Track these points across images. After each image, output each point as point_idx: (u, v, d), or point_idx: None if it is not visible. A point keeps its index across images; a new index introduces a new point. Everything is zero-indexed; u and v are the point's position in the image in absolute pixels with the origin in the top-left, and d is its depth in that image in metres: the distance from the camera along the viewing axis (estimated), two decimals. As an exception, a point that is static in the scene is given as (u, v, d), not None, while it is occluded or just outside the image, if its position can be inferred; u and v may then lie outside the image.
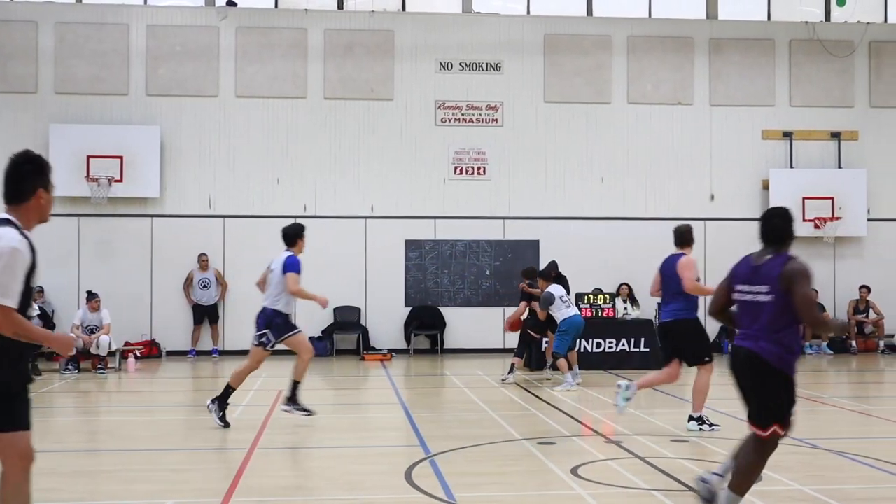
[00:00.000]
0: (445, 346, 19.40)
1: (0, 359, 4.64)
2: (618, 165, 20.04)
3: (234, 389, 10.49)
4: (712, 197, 20.10)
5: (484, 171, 19.80)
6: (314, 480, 7.87)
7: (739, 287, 6.20)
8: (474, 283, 19.74)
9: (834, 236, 19.75)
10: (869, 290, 19.51)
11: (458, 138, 19.79)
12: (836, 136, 20.30)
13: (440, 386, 15.15)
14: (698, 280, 10.05)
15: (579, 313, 14.39)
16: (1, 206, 4.89)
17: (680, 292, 9.85)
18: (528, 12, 20.44)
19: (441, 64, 19.87)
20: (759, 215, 21.26)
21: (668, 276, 10.04)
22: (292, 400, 10.57)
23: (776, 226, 6.16)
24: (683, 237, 10.35)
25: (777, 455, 8.80)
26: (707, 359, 9.95)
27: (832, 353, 19.18)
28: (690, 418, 10.04)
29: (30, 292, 4.70)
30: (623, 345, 16.43)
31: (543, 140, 19.95)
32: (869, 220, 19.99)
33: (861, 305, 19.55)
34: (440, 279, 19.71)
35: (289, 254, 10.37)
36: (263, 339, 10.41)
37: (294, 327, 10.59)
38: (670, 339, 10.00)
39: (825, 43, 20.26)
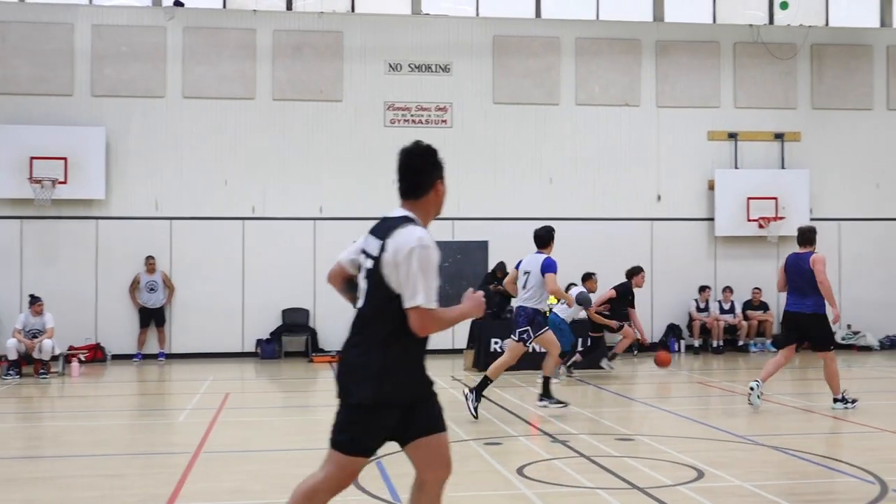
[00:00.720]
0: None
1: (409, 368, 4.48)
2: (566, 166, 20.16)
3: (491, 381, 11.03)
4: (659, 197, 20.30)
5: (433, 173, 19.77)
6: (259, 483, 7.82)
7: None
8: (424, 285, 19.69)
9: (777, 236, 20.05)
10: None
11: (408, 139, 19.59)
12: (779, 137, 20.62)
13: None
14: None
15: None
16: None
17: (814, 286, 11.23)
18: (477, 14, 20.49)
19: (390, 65, 19.86)
20: (705, 215, 21.54)
21: (800, 272, 11.38)
22: (546, 395, 11.29)
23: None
24: (807, 237, 11.64)
25: (719, 451, 8.97)
26: (832, 347, 11.52)
27: (776, 349, 19.41)
28: (835, 400, 11.47)
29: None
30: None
31: (492, 141, 20.02)
32: (811, 219, 20.28)
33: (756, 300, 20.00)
34: (390, 281, 19.66)
35: (544, 255, 11.18)
36: (524, 336, 11.10)
37: (546, 325, 11.37)
38: (799, 329, 11.51)
39: (769, 46, 20.57)
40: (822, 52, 20.80)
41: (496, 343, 16.21)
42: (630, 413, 12.04)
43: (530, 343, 11.16)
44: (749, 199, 19.96)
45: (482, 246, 19.76)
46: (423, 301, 4.27)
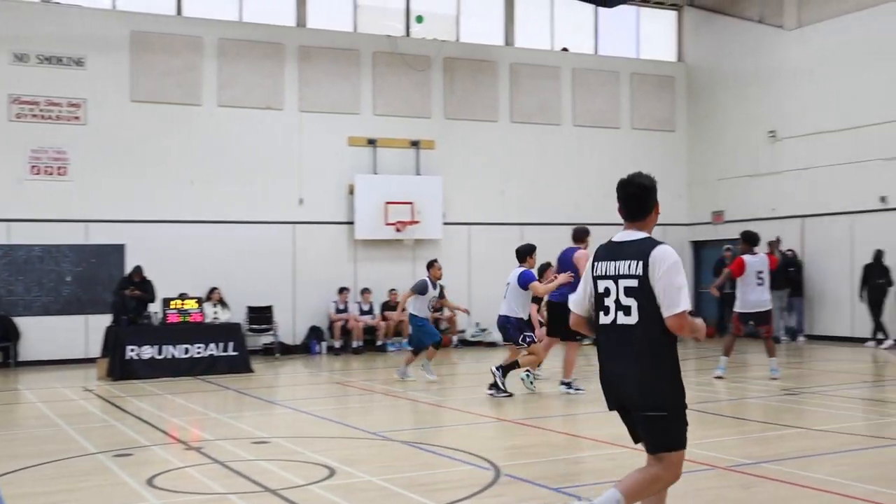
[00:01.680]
0: (23, 358, 18.08)
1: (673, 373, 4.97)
2: (209, 168, 19.85)
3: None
4: (301, 201, 20.54)
5: (65, 172, 18.72)
6: None
7: None
8: (53, 291, 18.57)
9: (413, 239, 21.01)
10: (443, 288, 20.88)
11: (36, 136, 18.54)
12: (415, 144, 21.61)
13: (11, 402, 14.06)
14: None
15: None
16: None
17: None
18: (114, 7, 19.62)
19: (15, 55, 18.50)
20: (345, 219, 21.82)
21: (567, 265, 12.46)
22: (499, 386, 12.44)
23: None
24: (578, 235, 13.09)
25: (352, 449, 9.25)
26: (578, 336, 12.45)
27: (412, 348, 20.30)
28: (561, 383, 12.69)
29: None
30: (212, 349, 16.27)
31: (131, 140, 19.26)
32: (444, 223, 21.50)
33: (437, 304, 20.90)
34: (14, 287, 18.32)
35: (522, 269, 12.65)
36: (529, 339, 12.66)
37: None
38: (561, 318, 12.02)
39: (406, 57, 21.50)
40: (454, 66, 22.07)
41: (132, 350, 15.61)
42: (269, 416, 12.08)
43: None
44: (387, 203, 20.73)
45: (118, 249, 18.93)
46: (686, 306, 4.84)
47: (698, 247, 24.33)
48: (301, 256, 20.46)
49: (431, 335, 14.80)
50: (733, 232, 22.11)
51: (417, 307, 14.76)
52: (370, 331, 20.41)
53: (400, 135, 21.49)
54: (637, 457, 8.47)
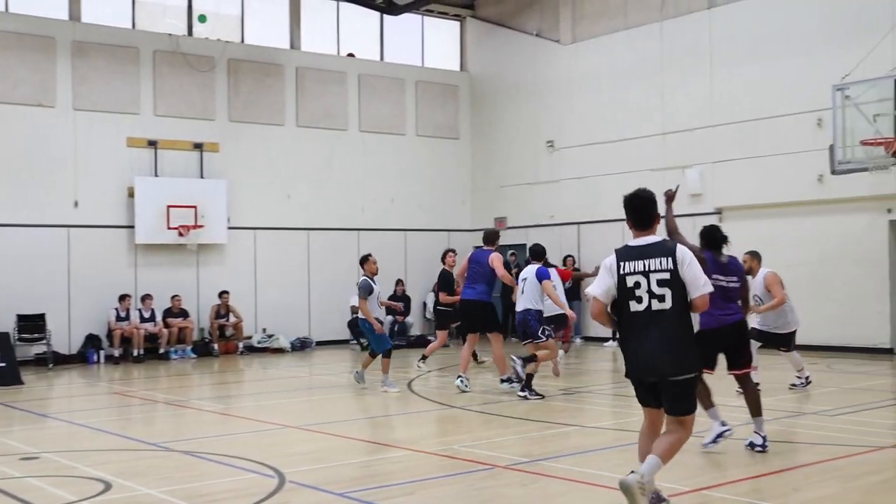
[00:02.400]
0: None
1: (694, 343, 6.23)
2: (-28, 168, 18.62)
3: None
4: (76, 203, 19.60)
5: None
6: None
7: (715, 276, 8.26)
8: None
9: (197, 244, 20.49)
10: (228, 294, 20.53)
11: None
12: (198, 146, 21.07)
13: None
14: None
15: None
16: None
17: (488, 279, 13.05)
18: None
19: None
20: (125, 223, 21.01)
21: (481, 264, 13.05)
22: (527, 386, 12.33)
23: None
24: (489, 237, 13.47)
25: (131, 461, 8.92)
26: (499, 330, 13.35)
27: (195, 356, 19.87)
28: (502, 381, 13.06)
29: None
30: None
31: None
32: (229, 228, 21.08)
33: (222, 310, 20.52)
34: None
35: (538, 265, 13.02)
36: (548, 333, 12.80)
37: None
38: (468, 316, 13.39)
39: (188, 57, 20.93)
40: (239, 68, 21.68)
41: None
42: (41, 430, 11.45)
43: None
44: (169, 206, 20.10)
45: None
46: (708, 289, 6.11)
47: (481, 252, 24.97)
48: (77, 261, 19.49)
49: (383, 343, 13.69)
50: (515, 238, 22.99)
51: (367, 310, 13.63)
52: (152, 338, 19.68)
53: (182, 136, 20.89)
54: (423, 458, 8.65)
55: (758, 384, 9.31)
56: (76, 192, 19.62)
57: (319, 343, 21.55)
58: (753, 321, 11.46)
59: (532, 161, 23.52)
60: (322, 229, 22.28)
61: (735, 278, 8.72)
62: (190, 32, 21.41)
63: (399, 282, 22.60)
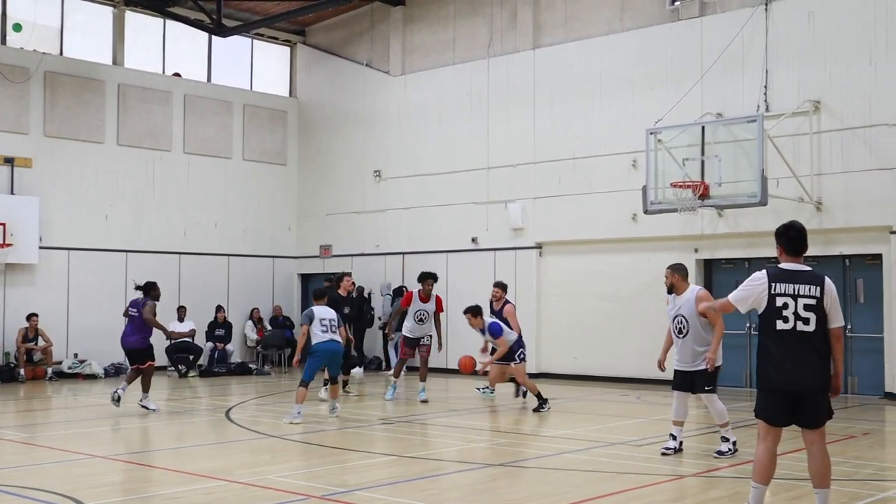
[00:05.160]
0: None
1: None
2: None
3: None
4: None
5: None
6: None
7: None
8: None
9: (4, 263, 19.47)
10: (37, 317, 19.59)
11: None
12: (9, 161, 20.07)
13: None
14: None
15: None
16: None
17: None
18: None
19: None
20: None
21: None
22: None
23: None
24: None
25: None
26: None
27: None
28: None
29: None
30: None
31: None
32: (41, 247, 20.14)
33: (31, 333, 19.54)
34: None
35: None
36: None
37: None
38: None
39: (1, 67, 19.98)
40: (57, 81, 20.83)
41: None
42: None
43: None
44: (-23, 223, 19.05)
45: None
46: (842, 322, 6.82)
47: (306, 279, 24.83)
48: None
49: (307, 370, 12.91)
50: (339, 266, 22.96)
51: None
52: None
53: (-6, 150, 19.87)
54: (235, 489, 8.47)
55: None
56: None
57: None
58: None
59: (359, 190, 23.59)
60: (142, 251, 21.60)
61: None
62: (3, 41, 20.44)
63: (220, 308, 22.14)
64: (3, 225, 19.37)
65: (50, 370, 19.63)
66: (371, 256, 23.03)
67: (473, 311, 14.24)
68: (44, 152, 20.59)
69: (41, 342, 19.64)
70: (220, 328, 21.73)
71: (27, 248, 19.80)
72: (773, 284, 6.77)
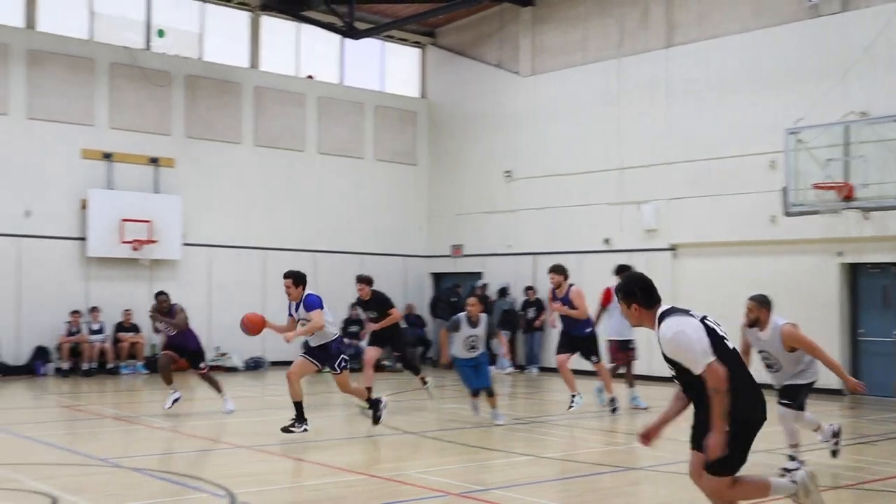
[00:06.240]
0: None
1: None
2: (-79, 174, 18.29)
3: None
4: (28, 213, 19.30)
5: None
6: None
7: None
8: None
9: (150, 259, 20.24)
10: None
11: None
12: (154, 161, 20.87)
13: None
14: None
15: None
16: None
17: None
18: None
19: None
20: (77, 234, 20.75)
21: None
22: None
23: None
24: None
25: (77, 476, 8.77)
26: None
27: (147, 371, 19.58)
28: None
29: None
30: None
31: None
32: (184, 244, 20.87)
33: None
34: None
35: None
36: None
37: None
38: None
39: (146, 71, 20.78)
40: (197, 84, 21.55)
41: None
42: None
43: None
44: (123, 220, 19.86)
45: None
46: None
47: (437, 278, 25.04)
48: (27, 272, 19.16)
49: (466, 381, 12.85)
50: (471, 265, 23.07)
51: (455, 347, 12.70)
52: (105, 352, 19.43)
53: (138, 150, 20.68)
54: (375, 484, 8.60)
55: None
56: (28, 201, 19.32)
57: (274, 363, 21.34)
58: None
59: (489, 190, 23.63)
60: (278, 249, 22.12)
61: None
62: (148, 46, 21.25)
63: (354, 305, 22.48)
64: (149, 222, 20.16)
65: (193, 363, 20.29)
66: (502, 256, 23.04)
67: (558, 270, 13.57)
68: (185, 153, 21.33)
69: (183, 336, 20.33)
70: (354, 325, 22.06)
71: (171, 245, 20.56)
72: None
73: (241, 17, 22.75)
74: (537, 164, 22.59)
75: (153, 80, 20.87)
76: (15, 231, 19.13)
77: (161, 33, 21.18)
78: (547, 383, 19.31)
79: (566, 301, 13.42)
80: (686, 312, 5.78)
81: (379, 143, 24.44)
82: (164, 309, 13.60)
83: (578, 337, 13.59)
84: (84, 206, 19.77)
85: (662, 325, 5.69)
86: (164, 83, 21.03)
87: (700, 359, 5.53)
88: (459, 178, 24.45)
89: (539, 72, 22.86)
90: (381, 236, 24.13)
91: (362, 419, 12.59)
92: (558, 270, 13.55)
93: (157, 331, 14.15)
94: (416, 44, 25.57)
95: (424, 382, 14.58)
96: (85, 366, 19.09)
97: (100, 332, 19.50)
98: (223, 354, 20.95)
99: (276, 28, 23.29)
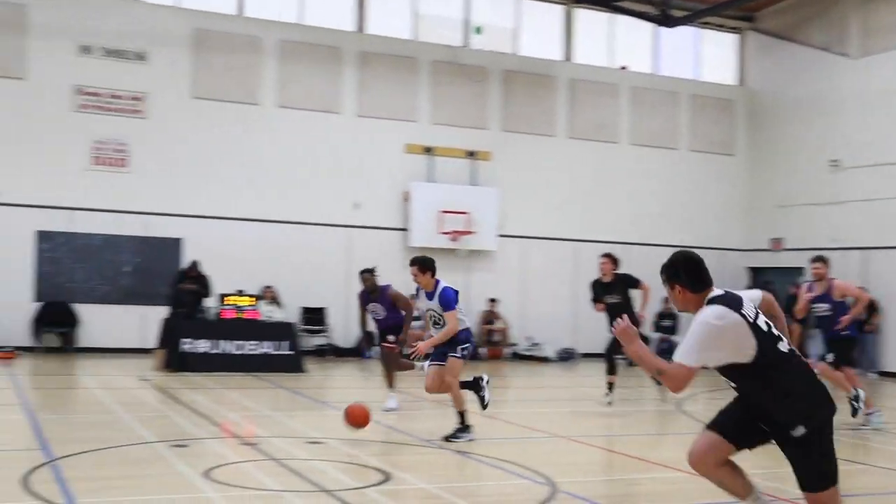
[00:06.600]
0: (80, 345, 18.34)
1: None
2: (266, 167, 19.99)
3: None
4: (356, 205, 20.57)
5: (126, 164, 18.94)
6: None
7: None
8: (112, 280, 18.82)
9: (468, 249, 20.93)
10: (496, 302, 20.88)
11: (98, 127, 18.78)
12: (471, 154, 21.55)
13: (70, 386, 14.26)
14: None
15: None
16: None
17: None
18: (178, 3, 19.82)
19: (81, 47, 18.75)
20: (399, 225, 21.69)
21: None
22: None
23: None
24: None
25: (404, 455, 9.18)
26: None
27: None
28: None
29: None
30: (266, 347, 16.35)
31: (191, 136, 19.47)
32: (499, 236, 21.41)
33: (491, 316, 20.89)
34: (75, 274, 18.58)
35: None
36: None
37: None
38: None
39: (464, 67, 21.48)
40: (512, 79, 22.00)
41: (187, 343, 15.79)
42: (322, 417, 12.04)
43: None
44: (442, 212, 20.69)
45: (175, 243, 19.11)
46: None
47: (755, 273, 23.98)
48: (355, 260, 20.42)
49: None
50: (792, 260, 21.90)
51: None
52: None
53: (456, 144, 21.45)
54: (695, 482, 8.32)
55: None
56: (357, 194, 20.59)
57: (585, 355, 21.43)
58: None
59: (813, 180, 22.29)
60: (591, 241, 22.08)
61: None
62: (466, 44, 21.94)
63: (666, 300, 22.06)
64: (467, 214, 20.84)
65: (506, 350, 20.83)
66: (826, 252, 21.61)
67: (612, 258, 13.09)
68: (501, 146, 21.84)
69: (499, 324, 20.89)
70: (666, 319, 21.62)
71: (487, 236, 21.16)
72: None
73: (556, 11, 22.95)
74: (868, 152, 21.01)
75: (471, 76, 21.53)
76: (345, 222, 20.45)
77: (479, 30, 21.82)
78: (886, 388, 17.96)
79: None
80: (737, 305, 5.02)
81: (694, 133, 23.79)
82: (370, 288, 12.89)
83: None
84: (406, 198, 20.78)
85: (704, 310, 5.02)
86: (482, 79, 21.65)
87: (684, 351, 4.92)
88: (780, 168, 23.25)
89: (871, 52, 21.25)
90: (695, 228, 23.45)
91: (674, 414, 12.25)
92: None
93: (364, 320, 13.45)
94: (734, 29, 24.62)
95: None
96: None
97: (418, 318, 20.37)
98: (536, 345, 21.27)
99: (589, 20, 23.28)
